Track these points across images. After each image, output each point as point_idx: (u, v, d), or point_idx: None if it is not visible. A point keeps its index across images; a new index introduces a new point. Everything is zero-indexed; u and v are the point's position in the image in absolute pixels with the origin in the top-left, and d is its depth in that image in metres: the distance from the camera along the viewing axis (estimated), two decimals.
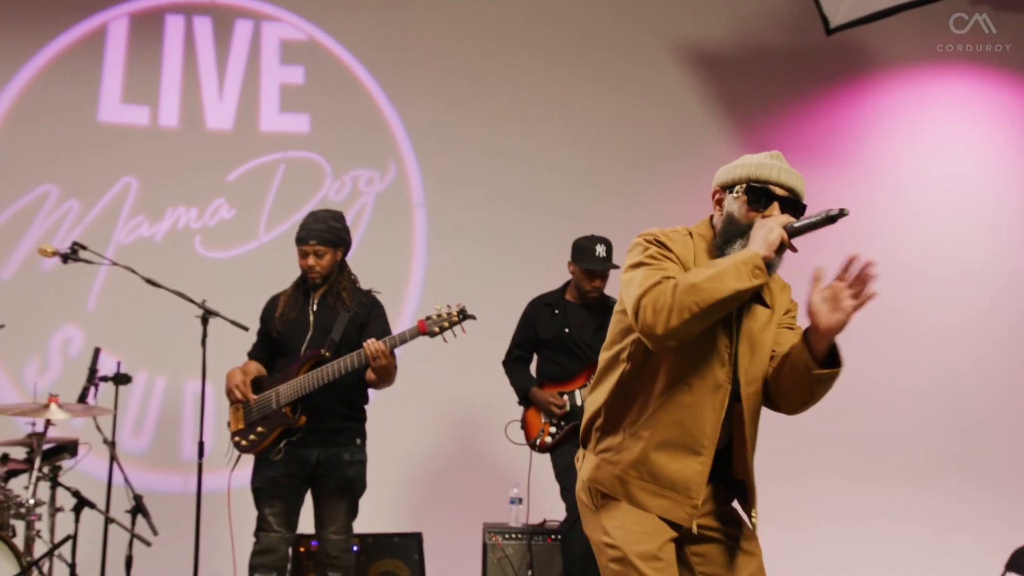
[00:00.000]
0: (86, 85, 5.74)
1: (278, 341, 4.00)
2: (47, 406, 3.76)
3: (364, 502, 4.17)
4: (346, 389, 3.90)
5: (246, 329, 4.21)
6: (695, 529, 2.35)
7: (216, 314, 4.22)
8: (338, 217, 4.04)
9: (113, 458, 4.24)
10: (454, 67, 6.02)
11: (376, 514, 4.82)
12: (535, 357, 4.69)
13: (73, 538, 4.02)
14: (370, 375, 3.86)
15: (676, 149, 6.10)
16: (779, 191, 2.36)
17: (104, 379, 4.27)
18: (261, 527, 3.87)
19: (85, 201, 5.64)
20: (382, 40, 6.02)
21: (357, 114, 5.97)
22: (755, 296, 2.39)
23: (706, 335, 2.33)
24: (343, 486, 3.90)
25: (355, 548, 4.38)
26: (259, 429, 3.85)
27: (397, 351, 3.78)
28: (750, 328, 2.42)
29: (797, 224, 2.30)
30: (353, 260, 5.72)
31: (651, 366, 2.38)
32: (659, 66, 6.19)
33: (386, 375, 3.83)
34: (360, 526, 4.40)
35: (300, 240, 3.97)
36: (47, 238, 5.58)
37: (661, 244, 2.39)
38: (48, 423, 3.82)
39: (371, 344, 3.72)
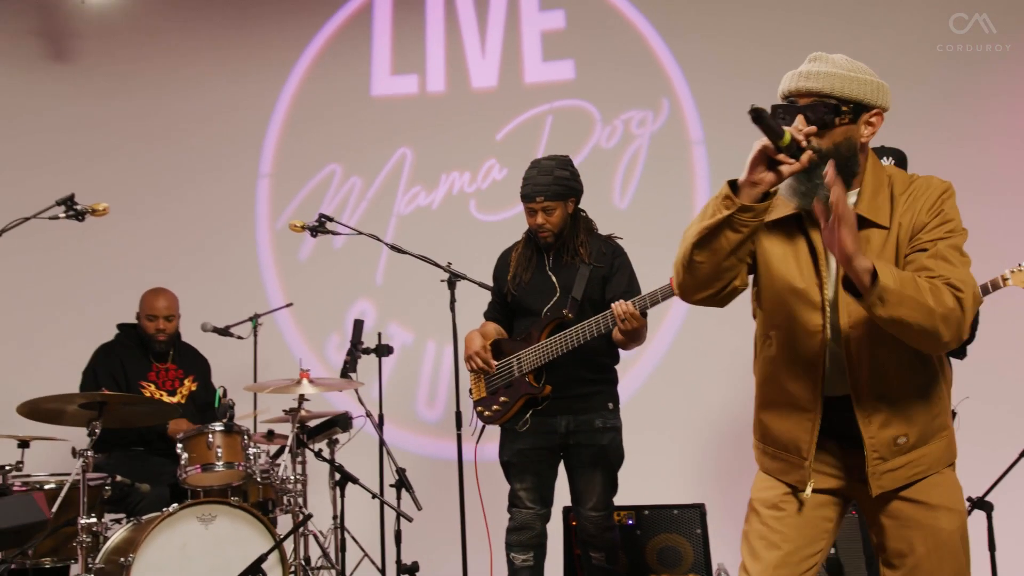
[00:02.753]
0: (358, 63, 5.82)
1: (515, 303, 3.71)
2: (299, 382, 3.77)
3: (640, 471, 3.80)
4: (593, 351, 3.52)
5: (493, 289, 3.96)
6: (808, 492, 2.16)
7: (463, 276, 4.02)
8: (564, 163, 3.63)
9: (379, 430, 4.19)
10: None
11: (653, 484, 4.43)
12: None
13: (340, 515, 4.04)
14: (617, 335, 3.45)
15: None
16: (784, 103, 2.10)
17: (367, 351, 4.24)
18: (513, 503, 3.63)
19: (366, 176, 5.72)
20: None
21: (624, 53, 5.53)
22: (861, 218, 2.08)
23: (782, 277, 2.16)
24: (597, 456, 3.53)
25: (630, 522, 4.03)
26: (502, 399, 3.59)
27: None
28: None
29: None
30: (633, 205, 5.43)
31: (757, 327, 2.27)
32: None
33: (635, 336, 3.41)
34: (636, 497, 4.04)
35: (525, 197, 3.59)
36: (337, 216, 5.75)
37: None
38: (302, 398, 3.83)
39: (619, 306, 3.32)
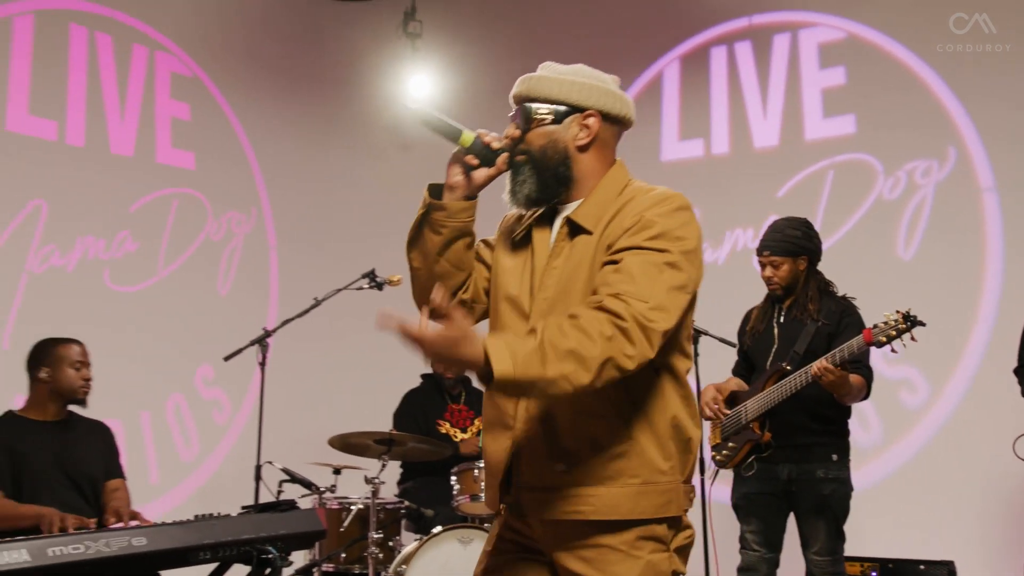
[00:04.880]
0: (648, 130, 6.27)
1: (749, 355, 3.95)
2: None
3: (888, 522, 3.83)
4: (817, 403, 3.66)
5: (734, 346, 4.21)
6: (501, 511, 1.98)
7: (705, 332, 4.30)
8: (797, 224, 3.86)
9: None
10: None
11: (901, 537, 4.35)
12: None
13: None
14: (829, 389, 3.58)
15: None
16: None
17: None
18: (742, 544, 3.83)
19: None
20: (924, 20, 5.43)
21: (906, 104, 5.47)
22: (572, 223, 1.97)
23: (503, 285, 2.02)
24: (819, 505, 3.65)
25: (874, 574, 4.03)
26: (731, 444, 3.83)
27: None
28: (557, 265, 1.96)
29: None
30: (918, 255, 5.30)
31: None
32: None
33: (840, 390, 3.52)
34: (883, 550, 4.04)
35: (757, 251, 3.90)
36: None
37: None
38: None
39: (816, 363, 3.49)
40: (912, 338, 3.37)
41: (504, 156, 1.99)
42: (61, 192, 5.13)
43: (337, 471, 4.49)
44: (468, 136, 1.98)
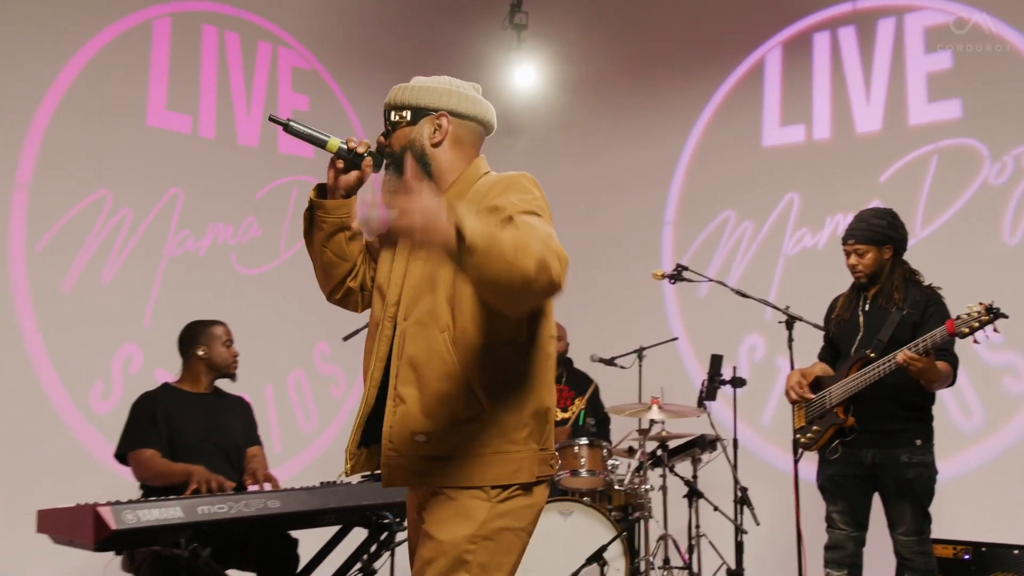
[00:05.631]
0: (750, 116, 6.35)
1: (835, 342, 4.07)
2: (649, 407, 4.47)
3: (986, 507, 3.91)
4: (901, 391, 3.76)
5: (824, 330, 4.31)
6: (343, 475, 2.21)
7: (799, 318, 4.41)
8: (882, 214, 3.95)
9: (733, 453, 4.71)
10: None
11: (999, 522, 4.39)
12: None
13: (695, 525, 4.64)
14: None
15: None
16: None
17: (723, 382, 4.78)
18: (829, 523, 3.96)
19: (756, 220, 6.24)
20: None
21: (1014, 89, 5.42)
22: None
23: (379, 273, 2.25)
24: (903, 489, 3.76)
25: (967, 556, 4.11)
26: (815, 428, 3.96)
27: None
28: (421, 256, 2.16)
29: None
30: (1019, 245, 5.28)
31: None
32: None
33: (928, 376, 3.61)
34: (979, 534, 4.12)
35: (843, 239, 4.00)
36: (728, 258, 6.34)
37: None
38: (652, 421, 4.51)
39: (900, 352, 3.60)
40: (995, 329, 3.44)
41: (368, 160, 2.23)
42: (195, 181, 5.55)
43: None
44: (334, 143, 2.20)
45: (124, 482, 3.83)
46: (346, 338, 4.68)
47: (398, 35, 6.68)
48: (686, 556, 4.69)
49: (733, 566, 4.50)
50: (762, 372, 5.92)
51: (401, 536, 3.49)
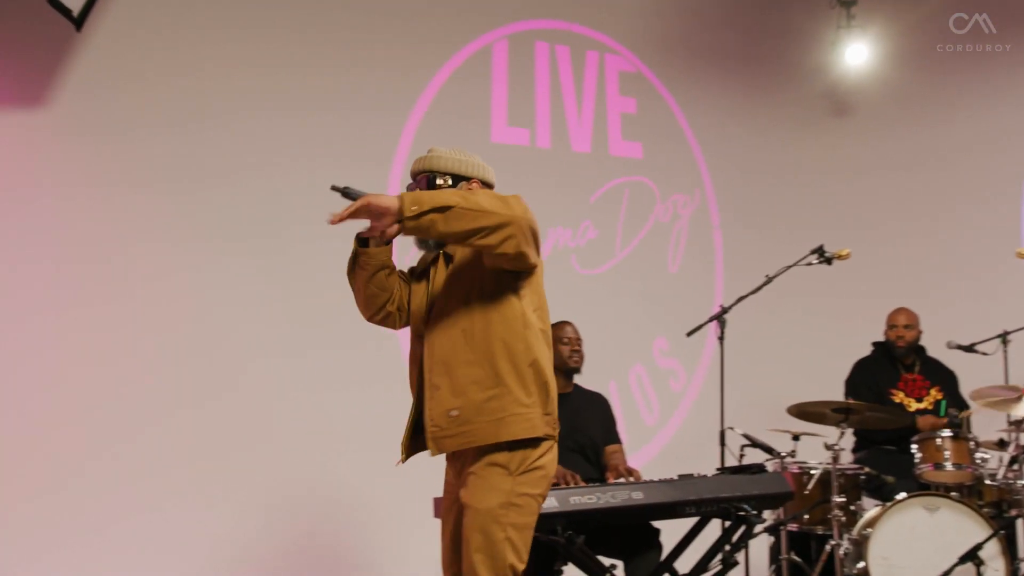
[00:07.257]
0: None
1: None
2: (1019, 399, 4.16)
3: None
4: None
5: None
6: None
7: None
8: None
9: None
10: None
11: None
12: None
13: None
14: None
15: None
16: None
17: None
18: None
19: None
20: None
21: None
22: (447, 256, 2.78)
23: (415, 298, 2.81)
24: None
25: None
26: None
27: None
28: (441, 280, 2.74)
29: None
30: None
31: None
32: None
33: None
34: None
35: None
36: None
37: None
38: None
39: None
40: None
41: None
42: (535, 189, 5.85)
43: (796, 437, 4.71)
44: None
45: None
46: (689, 333, 4.78)
47: (718, 28, 6.65)
48: None
49: None
50: None
51: (758, 529, 3.51)
